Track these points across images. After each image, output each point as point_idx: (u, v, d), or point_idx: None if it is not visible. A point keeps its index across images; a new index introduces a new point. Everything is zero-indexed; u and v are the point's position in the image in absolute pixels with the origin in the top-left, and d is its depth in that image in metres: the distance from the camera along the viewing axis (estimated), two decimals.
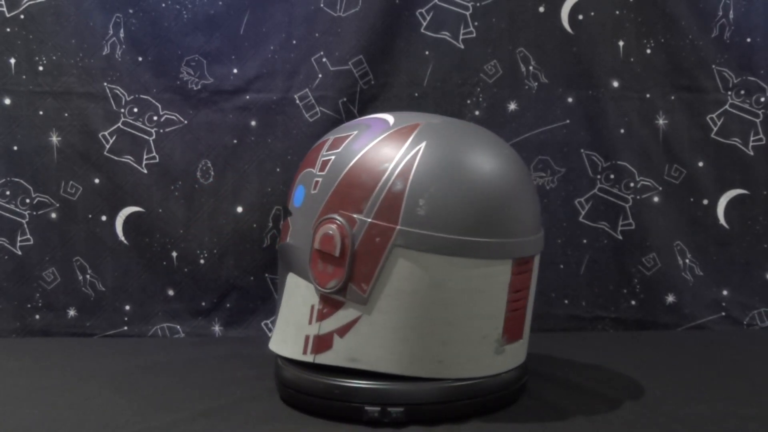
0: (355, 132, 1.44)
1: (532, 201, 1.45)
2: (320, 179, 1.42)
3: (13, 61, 1.93)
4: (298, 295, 1.44)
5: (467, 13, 1.94)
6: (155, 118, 1.95)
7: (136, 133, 1.95)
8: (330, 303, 1.39)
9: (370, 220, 1.35)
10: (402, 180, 1.35)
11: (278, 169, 1.95)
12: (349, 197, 1.37)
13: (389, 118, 1.46)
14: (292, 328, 1.46)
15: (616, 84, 1.95)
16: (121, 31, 1.93)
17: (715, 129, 1.97)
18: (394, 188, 1.34)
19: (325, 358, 1.40)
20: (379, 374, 1.37)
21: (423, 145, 1.37)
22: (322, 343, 1.40)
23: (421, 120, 1.43)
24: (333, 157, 1.41)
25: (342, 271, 1.36)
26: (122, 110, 1.95)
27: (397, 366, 1.36)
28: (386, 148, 1.38)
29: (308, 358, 1.42)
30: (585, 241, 1.98)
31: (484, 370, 1.40)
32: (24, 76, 1.93)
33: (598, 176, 1.97)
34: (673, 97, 1.96)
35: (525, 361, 1.50)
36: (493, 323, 1.39)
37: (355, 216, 1.36)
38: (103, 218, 1.97)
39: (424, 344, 1.36)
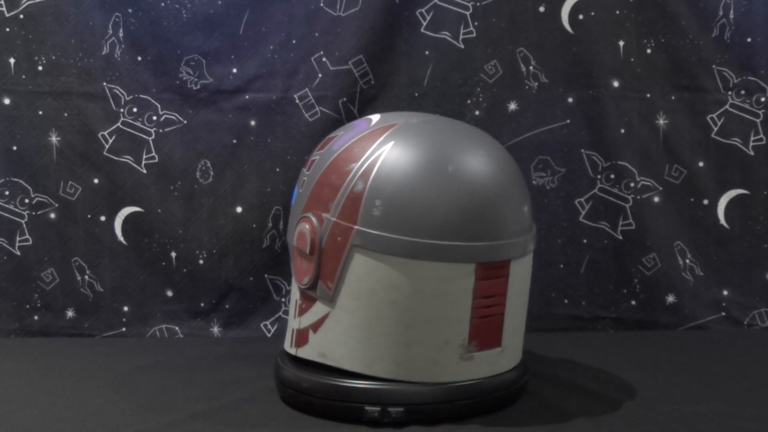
0: (341, 132, 1.47)
1: (507, 203, 1.39)
2: (306, 178, 1.46)
3: (12, 60, 1.93)
4: (293, 290, 1.50)
5: (467, 13, 1.94)
6: (155, 117, 1.95)
7: (136, 133, 1.95)
8: (307, 299, 1.43)
9: (334, 219, 1.37)
10: (363, 180, 1.36)
11: (278, 169, 1.95)
12: (321, 197, 1.40)
13: (375, 117, 1.48)
14: (289, 322, 1.52)
15: (616, 84, 1.95)
16: (121, 30, 1.92)
17: (716, 129, 1.96)
18: (355, 188, 1.36)
19: (304, 352, 1.44)
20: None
21: (389, 145, 1.38)
22: (301, 337, 1.44)
23: (403, 120, 1.44)
24: (317, 157, 1.45)
25: (312, 267, 1.39)
26: (122, 110, 1.95)
27: (358, 364, 1.37)
28: (357, 148, 1.40)
29: (293, 351, 1.46)
30: (585, 241, 1.98)
31: (448, 376, 1.38)
32: (23, 76, 1.93)
33: (599, 176, 1.97)
34: (673, 97, 1.96)
35: (525, 361, 1.50)
36: (456, 328, 1.37)
37: (323, 215, 1.39)
38: (102, 218, 1.96)
39: (384, 345, 1.37)
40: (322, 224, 1.38)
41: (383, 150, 1.37)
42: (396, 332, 1.36)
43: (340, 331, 1.39)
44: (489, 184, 1.38)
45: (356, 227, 1.35)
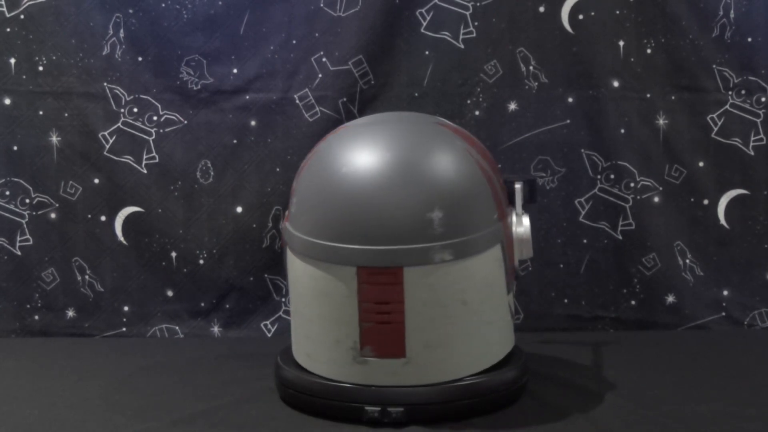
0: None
1: (399, 209, 1.33)
2: None
3: (13, 61, 1.93)
4: None
5: (467, 13, 1.94)
6: (155, 118, 1.95)
7: (136, 133, 1.95)
8: None
9: (285, 218, 1.48)
10: (296, 180, 1.46)
11: (278, 169, 1.95)
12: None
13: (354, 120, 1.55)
14: None
15: (616, 84, 1.95)
16: (121, 31, 1.93)
17: (716, 129, 1.96)
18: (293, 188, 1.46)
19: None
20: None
21: (320, 147, 1.45)
22: None
23: (363, 120, 1.52)
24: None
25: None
26: (122, 110, 1.95)
27: (295, 354, 1.48)
28: (312, 151, 1.47)
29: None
30: (585, 241, 1.98)
31: (342, 376, 1.38)
32: (24, 76, 1.93)
33: (598, 176, 1.97)
34: (673, 97, 1.96)
35: (525, 361, 1.50)
36: (345, 330, 1.37)
37: (287, 213, 1.48)
38: (103, 218, 1.96)
39: (300, 336, 1.46)
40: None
41: (314, 152, 1.45)
42: (303, 325, 1.45)
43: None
44: (377, 189, 1.34)
45: (285, 225, 1.46)
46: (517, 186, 1.48)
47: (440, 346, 1.36)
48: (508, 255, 1.43)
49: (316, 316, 1.40)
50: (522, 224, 1.45)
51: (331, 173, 1.37)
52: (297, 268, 1.42)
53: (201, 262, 1.97)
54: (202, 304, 1.98)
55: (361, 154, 1.37)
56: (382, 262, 1.33)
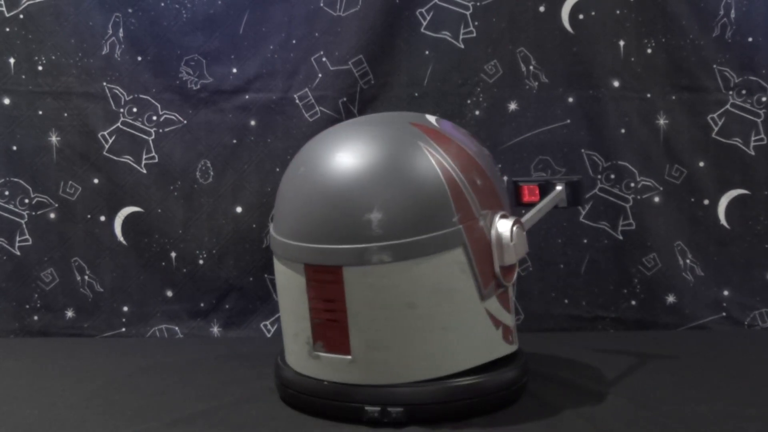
0: None
1: (340, 209, 1.35)
2: None
3: (12, 60, 1.93)
4: None
5: (467, 13, 1.94)
6: (154, 118, 1.95)
7: (136, 133, 1.95)
8: None
9: None
10: None
11: (278, 169, 1.95)
12: None
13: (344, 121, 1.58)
14: None
15: (616, 84, 1.95)
16: (121, 30, 1.93)
17: (716, 129, 1.96)
18: None
19: None
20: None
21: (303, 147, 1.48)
22: None
23: (349, 122, 1.55)
24: None
25: None
26: (121, 110, 1.95)
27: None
28: None
29: None
30: (585, 241, 1.98)
31: (300, 368, 1.43)
32: (23, 76, 1.93)
33: (599, 176, 1.97)
34: (673, 97, 1.96)
35: (525, 361, 1.50)
36: (301, 324, 1.40)
37: None
38: (102, 218, 1.96)
39: (281, 327, 1.51)
40: None
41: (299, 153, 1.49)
42: (283, 317, 1.50)
43: None
44: (324, 189, 1.36)
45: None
46: (558, 188, 1.46)
47: (384, 348, 1.36)
48: (481, 259, 1.38)
49: (283, 310, 1.48)
50: (498, 228, 1.39)
51: (293, 174, 1.43)
52: (275, 263, 1.47)
53: (201, 262, 1.97)
54: (202, 305, 1.98)
55: (320, 156, 1.40)
56: (324, 260, 1.35)
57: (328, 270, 1.35)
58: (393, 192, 1.34)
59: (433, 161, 1.36)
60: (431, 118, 1.49)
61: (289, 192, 1.42)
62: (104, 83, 1.94)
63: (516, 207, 1.60)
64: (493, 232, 1.39)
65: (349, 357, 1.36)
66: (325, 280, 1.36)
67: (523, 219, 1.46)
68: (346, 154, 1.37)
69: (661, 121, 1.96)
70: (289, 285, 1.41)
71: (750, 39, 1.94)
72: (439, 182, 1.35)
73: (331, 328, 1.37)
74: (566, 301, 1.98)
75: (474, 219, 1.37)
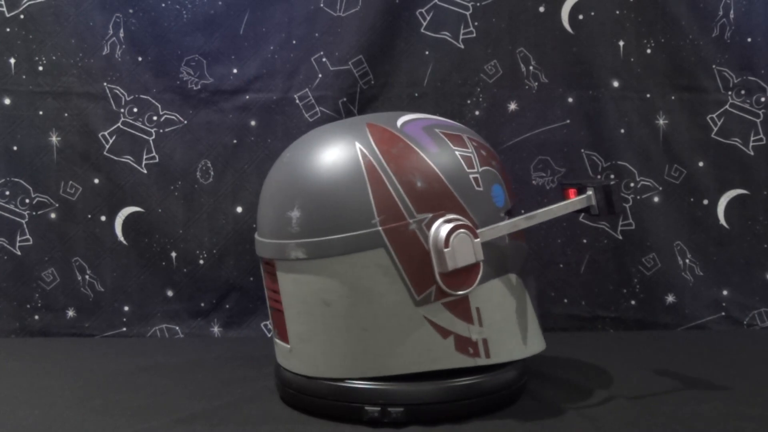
0: None
1: (268, 204, 1.43)
2: None
3: (13, 61, 1.93)
4: None
5: (467, 13, 1.94)
6: (155, 118, 1.95)
7: (136, 133, 1.95)
8: None
9: None
10: None
11: None
12: None
13: None
14: None
15: (616, 84, 1.95)
16: (121, 31, 1.93)
17: (716, 129, 1.97)
18: None
19: None
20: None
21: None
22: None
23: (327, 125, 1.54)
24: None
25: None
26: (122, 110, 1.95)
27: None
28: None
29: None
30: (585, 241, 1.98)
31: (275, 353, 1.51)
32: (24, 76, 1.93)
33: (598, 176, 1.97)
34: (673, 97, 1.96)
35: (525, 361, 1.50)
36: (268, 312, 1.51)
37: None
38: (103, 218, 1.97)
39: None
40: None
41: None
42: None
43: None
44: (268, 186, 1.46)
45: None
46: (589, 193, 1.44)
47: (308, 341, 1.40)
48: (413, 264, 1.33)
49: None
50: (433, 233, 1.33)
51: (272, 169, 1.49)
52: None
53: (201, 262, 1.97)
54: (202, 304, 1.99)
55: (283, 156, 1.47)
56: (264, 253, 1.44)
57: (268, 262, 1.44)
58: (313, 192, 1.37)
59: (362, 162, 1.35)
60: (404, 119, 1.43)
61: (261, 191, 1.50)
62: (105, 83, 1.94)
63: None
64: (430, 236, 1.34)
65: (288, 346, 1.43)
66: (268, 271, 1.45)
67: (529, 215, 1.44)
68: (291, 155, 1.45)
69: (661, 121, 1.96)
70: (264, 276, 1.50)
71: (749, 39, 1.94)
72: (361, 184, 1.34)
73: (277, 316, 1.45)
74: (566, 300, 1.99)
75: (403, 221, 1.33)
